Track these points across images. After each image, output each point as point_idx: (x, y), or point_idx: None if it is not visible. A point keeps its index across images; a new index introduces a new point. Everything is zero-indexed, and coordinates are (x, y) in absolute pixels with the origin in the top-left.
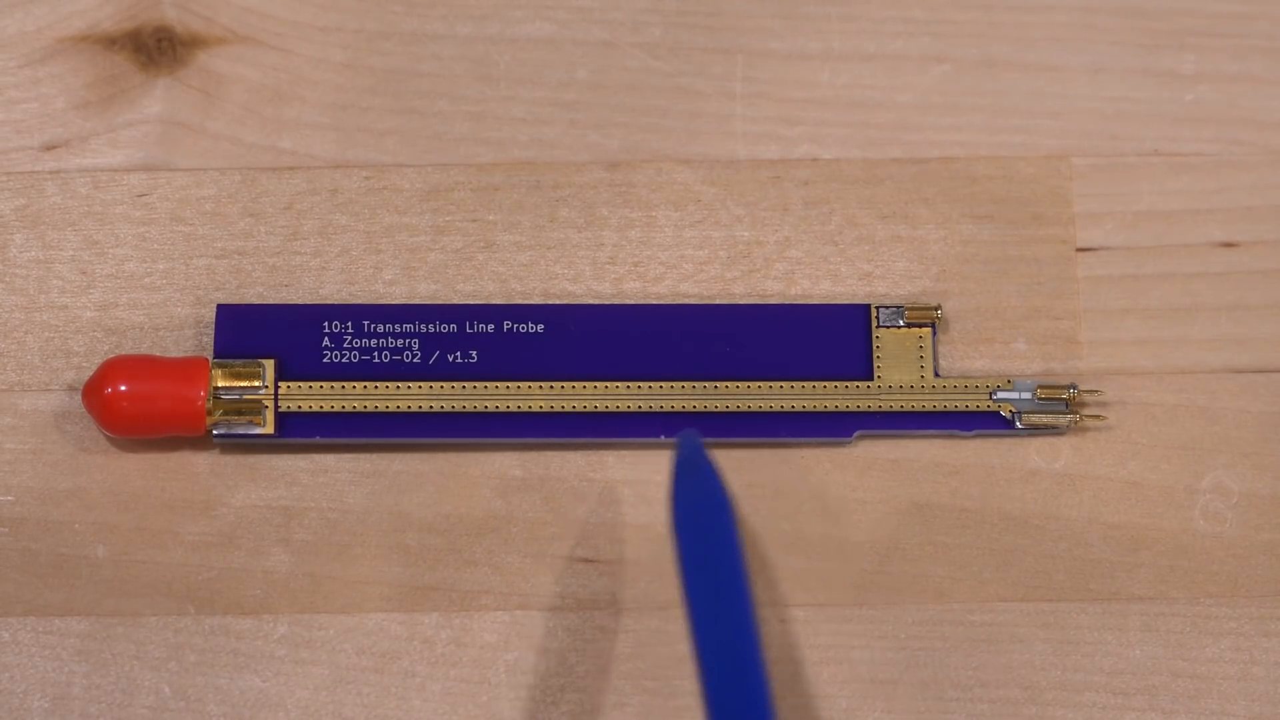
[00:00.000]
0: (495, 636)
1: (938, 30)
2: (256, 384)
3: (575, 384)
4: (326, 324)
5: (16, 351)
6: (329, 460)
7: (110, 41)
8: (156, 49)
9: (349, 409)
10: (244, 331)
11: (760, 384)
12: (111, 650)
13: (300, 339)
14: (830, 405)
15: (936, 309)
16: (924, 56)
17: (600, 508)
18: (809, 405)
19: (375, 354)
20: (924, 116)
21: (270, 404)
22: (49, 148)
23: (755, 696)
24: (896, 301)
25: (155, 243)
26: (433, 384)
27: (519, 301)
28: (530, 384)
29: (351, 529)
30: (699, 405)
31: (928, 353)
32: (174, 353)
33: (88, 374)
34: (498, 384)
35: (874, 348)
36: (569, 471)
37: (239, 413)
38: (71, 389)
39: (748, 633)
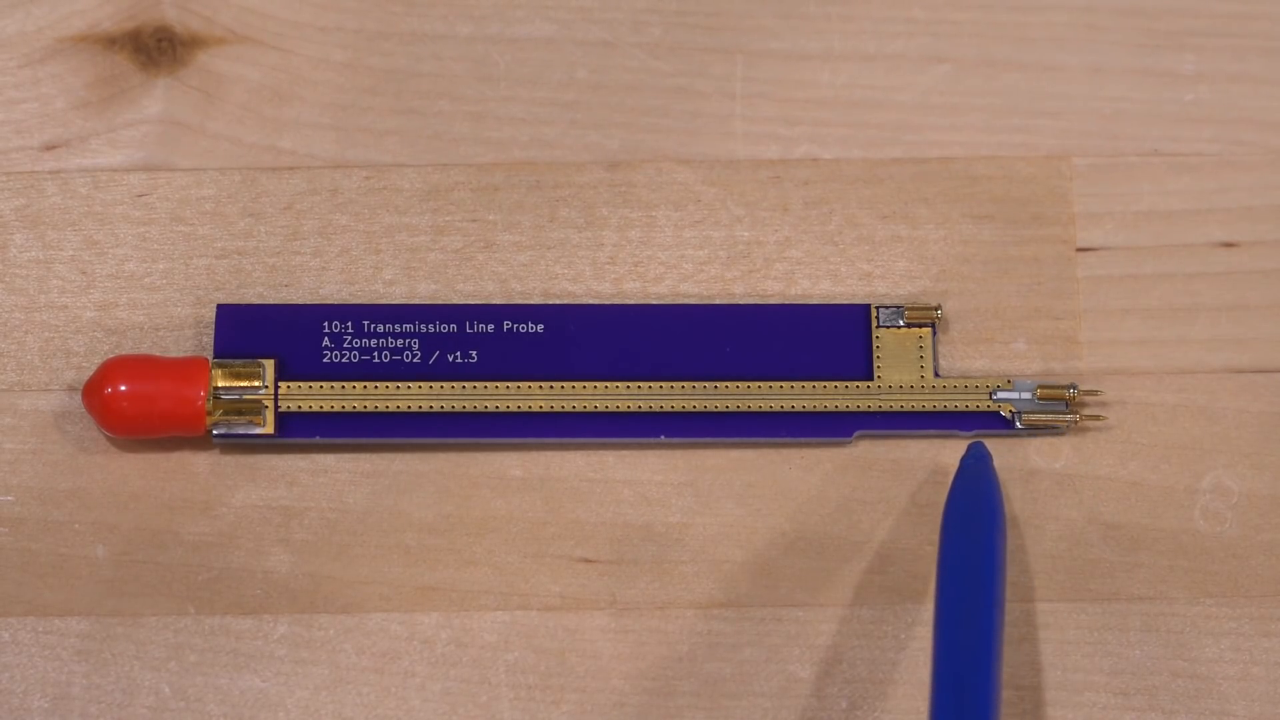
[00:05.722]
0: (495, 636)
1: (938, 30)
2: (256, 384)
3: (575, 384)
4: (326, 324)
5: (16, 351)
6: (329, 460)
7: (110, 41)
8: (156, 49)
9: (349, 409)
10: (244, 331)
11: (760, 384)
12: (111, 650)
13: (300, 339)
14: (830, 405)
15: (936, 309)
16: (924, 56)
17: (600, 508)
18: (809, 405)
19: (375, 354)
20: (924, 116)
21: (270, 404)
22: (49, 148)
23: (983, 704)
24: (896, 301)
25: (155, 243)
26: (433, 384)
27: (519, 301)
28: (530, 384)
29: (351, 529)
30: (699, 405)
31: (928, 353)
32: (174, 353)
33: (88, 374)
34: (498, 384)
35: (874, 348)
36: (569, 471)
37: (239, 413)
38: (71, 389)
39: (988, 646)
